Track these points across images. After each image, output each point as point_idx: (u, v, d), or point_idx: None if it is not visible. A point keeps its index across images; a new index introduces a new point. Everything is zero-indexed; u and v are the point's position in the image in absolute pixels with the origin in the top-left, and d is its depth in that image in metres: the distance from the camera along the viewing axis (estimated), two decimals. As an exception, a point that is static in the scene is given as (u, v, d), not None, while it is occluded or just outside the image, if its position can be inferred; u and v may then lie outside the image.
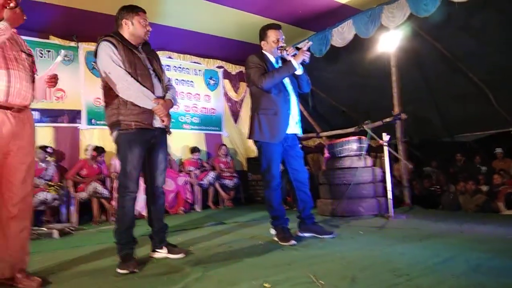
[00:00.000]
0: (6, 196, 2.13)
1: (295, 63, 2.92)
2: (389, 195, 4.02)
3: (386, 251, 2.49)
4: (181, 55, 7.15)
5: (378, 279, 1.86)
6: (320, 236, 3.04)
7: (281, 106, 3.02)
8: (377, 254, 2.41)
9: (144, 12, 2.61)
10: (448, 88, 6.26)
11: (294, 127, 3.11)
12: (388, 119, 5.09)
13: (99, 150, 5.60)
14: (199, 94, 7.44)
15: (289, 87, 3.13)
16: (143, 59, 2.59)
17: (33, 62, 2.26)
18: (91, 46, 6.07)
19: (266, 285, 1.85)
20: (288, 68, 2.93)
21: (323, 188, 4.67)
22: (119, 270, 2.33)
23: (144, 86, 2.48)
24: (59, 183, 5.12)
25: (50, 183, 5.00)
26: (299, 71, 3.04)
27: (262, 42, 3.15)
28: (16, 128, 2.07)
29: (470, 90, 6.04)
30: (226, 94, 7.82)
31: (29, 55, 2.24)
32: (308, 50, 3.00)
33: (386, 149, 4.12)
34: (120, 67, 2.44)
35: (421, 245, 2.63)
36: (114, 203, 5.27)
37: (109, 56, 2.44)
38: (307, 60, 2.95)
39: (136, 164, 2.48)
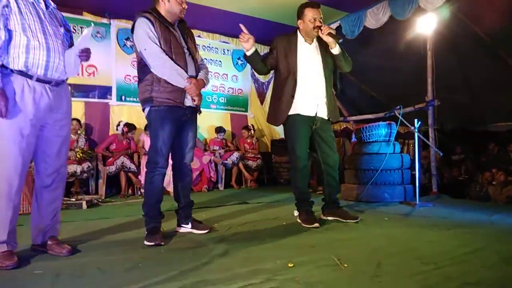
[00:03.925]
0: (41, 167, 2.21)
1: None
2: (417, 182, 3.93)
3: (412, 238, 2.46)
4: (210, 34, 7.13)
5: (405, 266, 1.84)
6: (344, 221, 3.02)
7: (286, 89, 2.98)
8: (403, 241, 2.38)
9: (182, -11, 2.59)
10: (485, 74, 5.99)
11: (316, 109, 3.01)
12: (420, 105, 4.94)
13: (130, 127, 5.72)
14: (226, 74, 7.42)
15: (310, 69, 3.01)
16: (178, 37, 2.59)
17: (71, 38, 2.30)
18: (122, 23, 6.14)
19: (290, 265, 1.86)
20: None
21: (348, 173, 4.62)
22: (146, 242, 2.39)
23: (178, 65, 2.49)
24: (87, 151, 5.26)
25: (78, 151, 5.15)
26: (335, 50, 2.95)
27: (299, 21, 3.04)
28: (53, 102, 2.12)
29: (508, 79, 5.76)
30: (253, 75, 7.76)
31: (68, 30, 2.27)
32: (337, 34, 2.92)
33: (416, 135, 4.02)
34: (156, 44, 2.45)
35: (449, 234, 2.57)
36: (141, 177, 5.40)
37: (146, 32, 2.45)
38: None
39: (167, 140, 2.52)
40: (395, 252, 2.09)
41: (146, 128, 5.70)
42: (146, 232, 2.49)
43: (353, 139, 5.72)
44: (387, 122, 4.51)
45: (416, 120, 4.01)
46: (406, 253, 2.08)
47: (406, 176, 4.37)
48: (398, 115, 4.20)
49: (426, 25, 4.85)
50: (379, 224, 2.99)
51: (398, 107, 4.25)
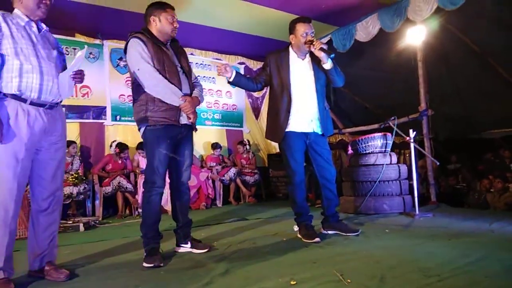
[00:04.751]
0: (36, 191, 2.19)
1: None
2: (415, 192, 3.93)
3: (414, 250, 2.44)
4: (203, 51, 7.19)
5: (408, 279, 1.82)
6: (344, 234, 3.00)
7: (281, 105, 2.99)
8: (405, 253, 2.36)
9: (172, 8, 2.62)
10: (476, 84, 6.07)
11: (310, 125, 3.01)
12: (414, 115, 4.97)
13: (122, 147, 5.69)
14: (220, 91, 7.46)
15: (302, 85, 3.02)
16: (171, 56, 2.61)
17: (64, 60, 2.30)
18: (115, 44, 6.17)
19: (292, 282, 1.83)
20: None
21: (346, 185, 4.61)
22: (145, 264, 2.36)
23: (172, 83, 2.50)
24: (81, 176, 5.21)
25: (73, 174, 5.10)
26: (327, 65, 2.96)
27: (291, 36, 3.07)
28: (48, 125, 2.12)
29: (499, 87, 5.83)
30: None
31: (61, 53, 2.28)
32: (329, 48, 2.95)
33: (412, 146, 4.03)
34: (149, 64, 2.46)
35: (450, 244, 2.55)
36: (138, 197, 5.35)
37: (138, 52, 2.47)
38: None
39: (163, 159, 2.51)
40: (397, 265, 2.06)
41: (138, 147, 5.69)
42: (145, 254, 2.46)
43: (349, 151, 5.74)
44: (383, 133, 4.53)
45: (411, 130, 4.02)
46: (409, 265, 2.05)
47: (404, 187, 4.36)
48: (393, 126, 4.22)
49: (415, 37, 4.92)
50: (379, 236, 2.97)
51: (393, 118, 4.27)
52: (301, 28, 2.99)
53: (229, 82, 3.03)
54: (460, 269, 1.94)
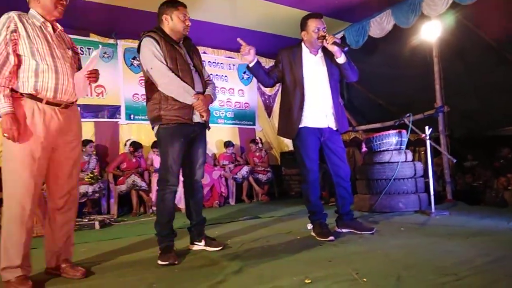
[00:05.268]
0: (53, 189, 2.21)
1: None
2: (431, 190, 3.87)
3: (430, 248, 2.39)
4: (215, 50, 7.20)
5: (425, 278, 1.78)
6: (359, 232, 2.96)
7: (294, 101, 2.96)
8: (421, 251, 2.32)
9: (184, 6, 2.61)
10: (493, 80, 5.93)
11: (325, 120, 2.98)
12: (430, 112, 4.89)
13: (135, 146, 5.75)
14: (233, 89, 7.46)
15: (315, 80, 3.00)
16: (184, 54, 2.61)
17: (79, 60, 2.33)
18: (129, 43, 6.23)
19: (307, 281, 1.81)
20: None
21: (360, 183, 4.56)
22: (159, 262, 2.37)
23: (185, 82, 2.51)
24: (96, 175, 5.28)
25: (88, 174, 5.17)
26: (341, 59, 2.93)
27: (303, 33, 3.04)
28: (63, 124, 2.14)
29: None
30: (259, 88, 7.79)
31: (76, 52, 2.30)
32: (342, 42, 2.91)
33: (428, 143, 3.96)
34: (162, 62, 2.47)
35: (467, 243, 2.50)
36: (152, 195, 5.40)
37: (151, 51, 2.48)
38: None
39: (177, 158, 2.52)
40: (413, 264, 2.03)
41: (153, 145, 5.73)
42: (159, 251, 2.47)
43: (364, 148, 5.68)
44: (397, 130, 4.46)
45: (427, 127, 3.96)
46: (425, 264, 2.02)
47: (419, 185, 4.30)
48: (408, 123, 4.16)
49: (430, 32, 4.84)
50: (395, 234, 2.93)
51: (408, 114, 4.21)
52: (312, 24, 2.97)
53: (248, 68, 2.99)
54: (479, 268, 1.90)
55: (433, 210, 3.78)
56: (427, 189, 4.12)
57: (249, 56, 2.88)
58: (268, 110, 7.91)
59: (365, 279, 1.79)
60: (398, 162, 4.18)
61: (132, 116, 6.23)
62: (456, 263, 2.00)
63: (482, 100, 6.46)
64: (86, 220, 4.34)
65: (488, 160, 7.07)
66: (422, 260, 2.11)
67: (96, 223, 4.22)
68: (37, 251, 2.52)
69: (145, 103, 2.72)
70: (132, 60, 6.30)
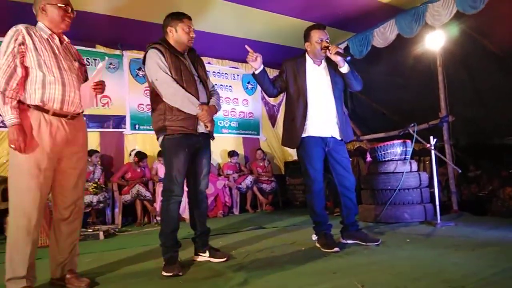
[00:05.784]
0: (58, 200, 2.22)
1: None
2: (437, 201, 3.84)
3: (437, 260, 2.37)
4: (220, 60, 7.24)
5: (432, 290, 1.76)
6: (364, 244, 2.94)
7: (298, 111, 2.98)
8: (428, 263, 2.29)
9: (189, 19, 2.64)
10: (498, 88, 5.91)
11: (328, 129, 2.99)
12: (434, 122, 4.88)
13: (140, 156, 5.75)
14: (237, 99, 7.49)
15: (319, 90, 3.01)
16: (188, 65, 2.64)
17: (85, 71, 2.35)
18: (135, 54, 6.28)
19: (312, 293, 1.80)
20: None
21: (365, 193, 4.54)
22: (164, 273, 2.36)
23: (189, 92, 2.52)
24: (101, 185, 5.28)
25: (93, 184, 5.18)
26: (344, 69, 2.95)
27: (306, 44, 3.08)
28: (69, 135, 2.15)
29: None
30: (263, 98, 7.81)
31: (82, 64, 2.33)
32: (345, 52, 2.93)
33: (433, 153, 3.94)
34: (167, 74, 2.50)
35: (474, 255, 2.48)
36: (156, 205, 5.39)
37: (156, 63, 2.50)
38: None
39: (181, 168, 2.52)
40: (420, 276, 2.01)
41: (159, 154, 5.74)
42: (163, 262, 2.46)
43: (368, 158, 5.66)
44: (402, 140, 4.45)
45: (431, 137, 3.94)
46: (432, 276, 2.00)
47: (425, 195, 4.27)
48: (412, 132, 4.15)
49: (434, 42, 4.85)
50: (401, 246, 2.90)
51: (413, 124, 4.20)
52: (315, 35, 3.00)
53: (253, 75, 3.01)
54: (486, 280, 1.88)
55: (438, 220, 3.75)
56: (432, 199, 4.09)
57: (255, 63, 2.90)
58: (272, 119, 7.92)
59: (371, 292, 1.77)
60: (403, 172, 4.17)
61: (137, 126, 6.26)
62: (463, 275, 1.98)
63: (487, 109, 6.43)
64: (91, 230, 4.33)
65: (495, 169, 7.01)
66: (429, 272, 2.09)
67: (101, 233, 4.22)
68: (42, 261, 2.52)
69: (150, 113, 2.74)
70: (137, 71, 6.35)
